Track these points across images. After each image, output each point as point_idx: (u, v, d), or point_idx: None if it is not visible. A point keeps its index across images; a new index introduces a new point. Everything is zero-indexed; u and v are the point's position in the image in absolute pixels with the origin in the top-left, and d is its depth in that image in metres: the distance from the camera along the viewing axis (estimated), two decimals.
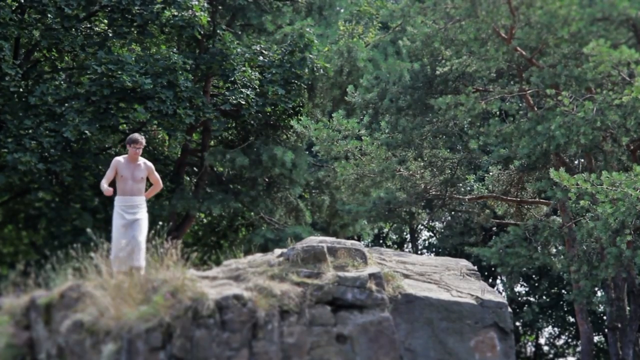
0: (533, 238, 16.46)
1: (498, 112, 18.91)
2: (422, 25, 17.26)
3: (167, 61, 16.12)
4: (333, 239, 9.19)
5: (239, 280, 8.02)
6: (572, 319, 29.94)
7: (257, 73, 17.57)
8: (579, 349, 30.03)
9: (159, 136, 20.87)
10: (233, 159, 18.00)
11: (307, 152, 20.48)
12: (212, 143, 19.77)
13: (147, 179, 9.31)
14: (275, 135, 18.72)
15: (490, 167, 20.94)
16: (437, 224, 32.27)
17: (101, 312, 7.37)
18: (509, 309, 8.55)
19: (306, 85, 18.72)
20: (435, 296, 8.26)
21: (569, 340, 32.36)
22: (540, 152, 16.19)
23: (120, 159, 9.14)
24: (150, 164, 9.33)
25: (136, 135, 9.24)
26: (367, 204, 18.95)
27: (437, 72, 18.10)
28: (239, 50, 17.37)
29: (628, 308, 18.28)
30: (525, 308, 29.98)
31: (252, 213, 19.89)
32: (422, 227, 33.21)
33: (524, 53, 16.21)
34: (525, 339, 32.93)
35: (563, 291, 29.29)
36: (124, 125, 18.98)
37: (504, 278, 29.84)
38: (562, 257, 18.12)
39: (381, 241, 32.31)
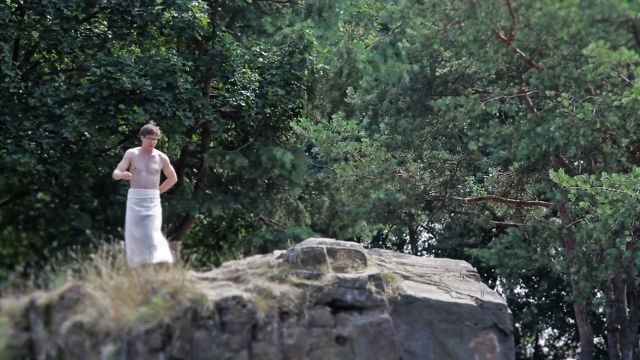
0: (532, 239, 16.46)
1: (497, 114, 18.92)
2: (421, 27, 17.26)
3: (167, 63, 16.13)
4: (332, 240, 9.19)
5: (239, 282, 8.01)
6: (571, 321, 29.94)
7: (256, 74, 17.58)
8: (578, 350, 30.03)
9: (158, 138, 20.86)
10: (233, 160, 18.00)
11: (306, 154, 20.49)
12: (211, 144, 19.78)
13: (161, 172, 9.15)
14: (275, 136, 18.73)
15: (489, 169, 20.95)
16: (437, 225, 32.28)
17: (101, 313, 7.37)
18: (509, 311, 8.55)
19: (306, 86, 18.73)
20: (434, 297, 8.25)
21: (569, 341, 32.36)
22: (540, 154, 16.19)
23: (134, 150, 8.99)
24: (164, 155, 9.19)
25: (151, 126, 9.05)
26: (366, 205, 18.95)
27: (437, 74, 18.11)
28: (238, 51, 17.38)
29: (628, 309, 18.28)
30: (524, 309, 29.98)
31: (252, 214, 19.89)
32: (421, 229, 33.21)
33: (523, 54, 16.22)
34: (525, 340, 32.92)
35: (563, 292, 29.30)
36: (124, 127, 18.98)
37: (503, 279, 29.86)
38: (561, 258, 18.12)
39: (381, 242, 32.32)
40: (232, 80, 17.27)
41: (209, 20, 17.46)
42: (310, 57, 17.91)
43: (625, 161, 16.83)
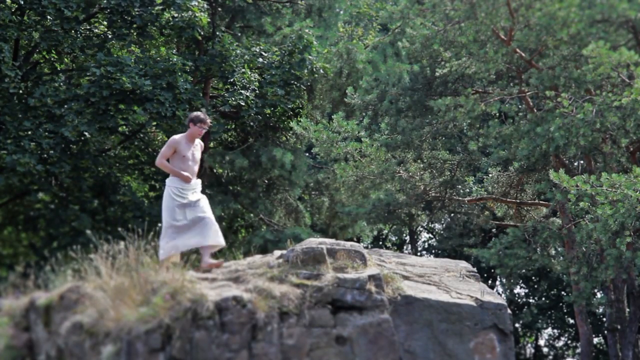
0: (532, 239, 16.46)
1: (497, 114, 18.92)
2: (421, 27, 17.27)
3: (167, 63, 16.13)
4: (332, 240, 9.19)
5: (239, 282, 8.02)
6: (571, 321, 29.95)
7: (256, 74, 17.58)
8: (578, 350, 30.04)
9: (158, 138, 20.87)
10: (232, 161, 18.00)
11: (306, 154, 20.49)
12: (211, 145, 19.77)
13: None
14: (275, 136, 18.73)
15: (489, 169, 20.95)
16: (437, 226, 32.29)
17: (101, 313, 7.37)
18: (509, 311, 8.55)
19: (305, 86, 18.73)
20: (434, 298, 8.25)
21: (569, 341, 32.37)
22: (540, 154, 16.19)
23: (179, 138, 8.82)
24: (202, 143, 9.11)
25: (203, 114, 8.91)
26: (366, 205, 18.96)
27: (437, 74, 18.11)
28: (238, 51, 17.38)
29: (628, 310, 18.28)
30: (524, 309, 29.99)
31: (252, 214, 19.89)
32: (421, 229, 33.21)
33: (523, 55, 16.22)
34: (525, 340, 32.93)
35: (563, 293, 29.30)
36: (124, 127, 18.98)
37: (503, 279, 29.86)
38: (561, 258, 18.13)
39: (381, 243, 32.33)
40: (232, 80, 17.28)
41: (209, 20, 17.46)
42: (310, 57, 17.91)
43: (625, 161, 16.83)
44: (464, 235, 27.04)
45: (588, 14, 15.19)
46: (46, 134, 15.43)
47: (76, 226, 17.55)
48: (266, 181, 19.67)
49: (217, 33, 18.00)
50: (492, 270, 26.25)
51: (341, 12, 21.99)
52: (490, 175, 20.54)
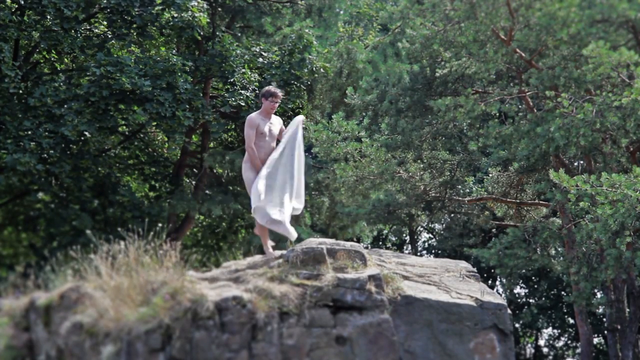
0: (532, 239, 16.46)
1: (497, 114, 18.93)
2: (421, 27, 17.27)
3: (167, 63, 16.13)
4: (332, 240, 9.18)
5: (239, 282, 8.02)
6: (571, 321, 29.95)
7: (256, 74, 17.58)
8: (578, 350, 30.04)
9: (158, 138, 20.87)
10: (232, 161, 18.00)
11: (306, 154, 20.47)
12: (211, 145, 19.77)
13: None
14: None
15: (489, 169, 20.95)
16: (437, 226, 32.29)
17: (100, 313, 7.37)
18: (509, 311, 8.55)
19: (305, 86, 18.72)
20: (434, 298, 8.25)
21: (569, 341, 32.36)
22: (540, 154, 16.20)
23: (255, 115, 8.77)
24: (279, 118, 9.03)
25: (274, 88, 8.86)
26: (366, 205, 18.96)
27: (437, 74, 18.11)
28: (238, 51, 17.37)
29: (628, 310, 18.28)
30: (524, 309, 29.98)
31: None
32: (421, 229, 33.21)
33: (523, 55, 16.23)
34: (525, 340, 32.93)
35: (562, 293, 29.30)
36: (123, 127, 18.98)
37: (503, 279, 29.86)
38: (561, 258, 18.13)
39: (380, 243, 32.33)
40: (232, 80, 17.27)
41: (208, 20, 17.45)
42: (310, 57, 17.91)
43: (625, 161, 16.84)
44: (464, 235, 27.04)
45: (588, 14, 15.19)
46: (46, 133, 15.43)
47: (76, 225, 17.55)
48: None
49: (217, 33, 18.00)
50: (492, 270, 26.25)
51: (341, 12, 22.00)
52: (490, 175, 20.54)
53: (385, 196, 18.81)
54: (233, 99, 17.05)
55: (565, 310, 29.62)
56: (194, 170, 20.06)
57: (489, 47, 16.19)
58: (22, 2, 15.53)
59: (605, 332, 24.28)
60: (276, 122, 8.98)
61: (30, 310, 8.16)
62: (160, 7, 16.44)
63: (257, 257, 8.97)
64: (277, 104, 8.90)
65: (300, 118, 9.15)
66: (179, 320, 7.09)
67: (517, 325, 30.49)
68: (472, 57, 16.80)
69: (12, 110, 15.59)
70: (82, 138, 16.93)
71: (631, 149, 16.17)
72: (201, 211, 18.76)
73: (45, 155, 15.67)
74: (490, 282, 29.70)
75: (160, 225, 16.70)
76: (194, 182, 20.13)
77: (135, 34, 17.01)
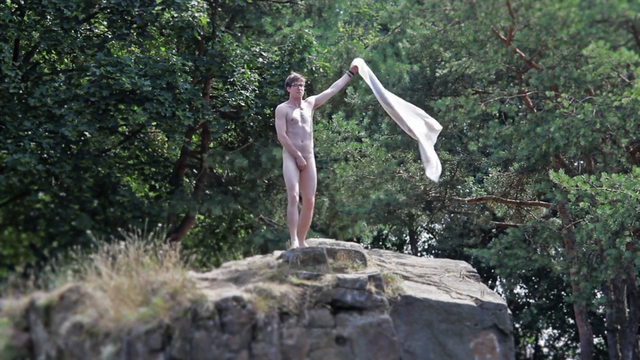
0: (532, 240, 16.47)
1: (497, 114, 18.93)
2: (421, 27, 17.28)
3: (166, 63, 16.13)
4: (332, 240, 9.20)
5: (239, 282, 8.02)
6: (571, 321, 29.94)
7: (256, 74, 17.58)
8: (578, 350, 30.03)
9: (158, 138, 20.86)
10: (232, 161, 18.00)
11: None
12: (211, 145, 19.77)
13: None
14: (275, 136, 18.71)
15: (489, 169, 20.96)
16: (437, 226, 32.28)
17: (100, 313, 7.37)
18: (509, 311, 8.55)
19: (305, 86, 18.68)
20: (434, 298, 8.26)
21: (569, 342, 32.36)
22: (540, 154, 16.21)
23: (283, 105, 8.92)
24: (310, 98, 9.12)
25: (293, 74, 9.05)
26: (366, 205, 18.95)
27: (437, 74, 18.12)
28: (238, 51, 17.37)
29: (628, 310, 18.29)
30: (524, 310, 29.98)
31: (252, 215, 19.89)
32: (421, 229, 33.21)
33: (523, 55, 16.23)
34: (525, 340, 32.92)
35: (562, 293, 29.30)
36: (124, 127, 18.97)
37: (503, 280, 29.86)
38: (561, 258, 18.13)
39: (381, 243, 32.32)
40: (232, 80, 17.27)
41: (208, 20, 17.45)
42: (309, 56, 17.91)
43: (625, 162, 16.84)
44: (464, 235, 27.03)
45: (588, 14, 15.20)
46: (46, 134, 15.43)
47: (76, 225, 17.55)
48: (266, 181, 19.66)
49: (217, 33, 17.99)
50: (492, 271, 26.24)
51: (341, 12, 22.00)
52: (490, 175, 20.54)
53: (385, 196, 18.81)
54: (233, 99, 17.05)
55: (565, 311, 29.61)
56: (194, 170, 20.06)
57: (489, 47, 16.19)
58: (22, 2, 15.53)
59: (605, 332, 24.28)
60: (306, 106, 9.03)
61: (30, 311, 8.16)
62: (160, 7, 16.44)
63: (257, 257, 8.97)
64: (302, 87, 8.96)
65: (359, 64, 9.25)
66: (179, 320, 7.09)
67: (517, 325, 30.49)
68: (472, 57, 16.81)
69: (12, 111, 15.59)
70: (82, 138, 16.92)
71: (631, 149, 16.17)
72: (201, 211, 18.76)
73: (45, 155, 15.66)
74: (490, 282, 29.70)
75: (160, 225, 16.68)
76: (194, 182, 20.13)
77: (135, 34, 17.01)
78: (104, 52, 16.24)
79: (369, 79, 9.24)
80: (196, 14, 16.54)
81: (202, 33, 17.30)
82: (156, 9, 16.42)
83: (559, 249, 18.96)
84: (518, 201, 19.78)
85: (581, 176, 13.34)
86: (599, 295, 21.94)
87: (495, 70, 16.90)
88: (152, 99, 15.82)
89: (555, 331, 32.52)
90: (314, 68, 17.92)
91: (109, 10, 16.56)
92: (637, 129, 14.57)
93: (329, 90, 9.38)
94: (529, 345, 33.45)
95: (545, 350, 33.59)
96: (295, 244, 8.64)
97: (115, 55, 16.29)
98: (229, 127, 19.15)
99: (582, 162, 18.72)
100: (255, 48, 18.15)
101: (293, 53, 17.82)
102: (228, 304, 7.25)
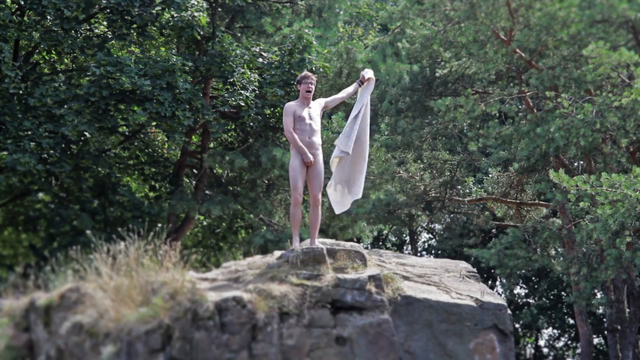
0: (532, 240, 16.47)
1: (497, 114, 18.94)
2: (421, 27, 17.27)
3: (166, 63, 16.13)
4: (332, 240, 9.20)
5: (239, 282, 8.02)
6: (571, 321, 29.94)
7: (256, 75, 17.57)
8: (578, 351, 30.04)
9: (158, 138, 20.86)
10: (232, 161, 17.99)
11: None
12: (211, 145, 19.76)
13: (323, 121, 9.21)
14: (275, 137, 18.71)
15: (489, 169, 20.96)
16: (437, 226, 32.28)
17: (100, 314, 7.37)
18: (509, 311, 8.55)
19: None
20: (434, 298, 8.26)
21: (569, 342, 32.36)
22: (540, 154, 16.21)
23: (292, 103, 8.95)
24: (321, 99, 9.15)
25: (304, 72, 9.05)
26: (366, 205, 18.95)
27: (437, 74, 18.12)
28: (238, 52, 17.37)
29: (628, 310, 18.29)
30: (524, 310, 29.98)
31: (252, 215, 19.89)
32: (421, 229, 33.20)
33: (523, 55, 16.23)
34: (525, 341, 32.92)
35: (563, 293, 29.30)
36: (124, 127, 18.97)
37: (503, 280, 29.86)
38: (561, 259, 18.13)
39: (380, 243, 32.32)
40: (232, 80, 17.27)
41: (208, 20, 17.45)
42: (309, 56, 17.90)
43: (625, 162, 16.84)
44: (463, 235, 27.04)
45: (588, 14, 15.20)
46: (46, 134, 15.42)
47: (77, 225, 17.55)
48: (266, 181, 19.65)
49: (217, 33, 17.99)
50: (492, 271, 26.25)
51: (341, 12, 21.99)
52: (490, 175, 20.54)
53: (385, 196, 18.81)
54: (233, 99, 17.05)
55: (565, 311, 29.61)
56: (194, 170, 20.05)
57: (489, 48, 16.19)
58: (22, 3, 15.53)
59: (605, 332, 24.28)
60: (315, 104, 9.05)
61: (30, 311, 8.16)
62: (160, 7, 16.44)
63: (257, 257, 8.98)
64: (312, 85, 8.94)
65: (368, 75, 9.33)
66: (179, 320, 7.09)
67: (517, 325, 30.49)
68: (472, 58, 16.81)
69: (12, 111, 15.59)
70: (82, 138, 16.92)
71: (631, 149, 16.17)
72: (201, 211, 18.75)
73: (45, 155, 15.66)
74: (490, 282, 29.70)
75: (160, 225, 16.69)
76: (194, 183, 20.12)
77: (135, 34, 17.00)
78: (104, 52, 16.23)
79: (363, 96, 9.31)
80: (196, 14, 16.54)
81: (202, 33, 17.30)
82: (156, 9, 16.42)
83: (559, 249, 18.95)
84: (518, 201, 19.78)
85: (581, 176, 13.34)
86: (599, 295, 21.93)
87: (495, 71, 16.90)
88: (152, 99, 15.82)
89: (555, 331, 32.53)
90: (314, 68, 17.91)
91: (109, 10, 16.56)
92: (637, 129, 14.57)
93: (339, 95, 9.39)
94: (529, 345, 33.45)
95: (545, 350, 33.60)
96: (296, 244, 8.64)
97: (115, 55, 16.28)
98: (229, 127, 19.14)
99: (582, 162, 18.72)
100: (255, 48, 18.14)
101: (293, 53, 17.81)
102: (228, 304, 7.25)
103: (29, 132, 15.40)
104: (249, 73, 17.26)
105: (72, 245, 13.90)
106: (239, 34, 19.74)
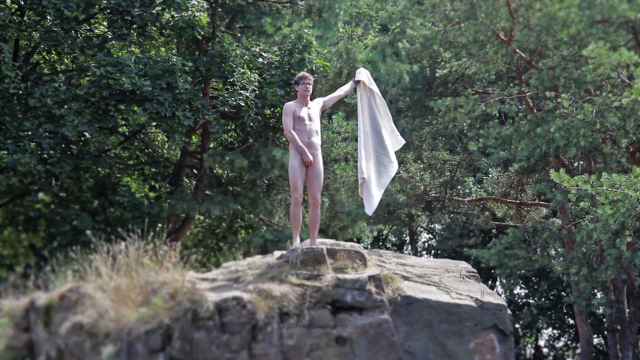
0: (532, 240, 16.47)
1: (497, 115, 18.94)
2: (421, 28, 17.28)
3: (166, 63, 16.13)
4: (332, 241, 9.20)
5: (239, 282, 8.02)
6: (571, 321, 29.94)
7: (256, 75, 17.58)
8: (578, 351, 30.04)
9: (158, 138, 20.86)
10: (232, 161, 17.99)
11: None
12: (211, 145, 19.76)
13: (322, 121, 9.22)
14: (275, 137, 18.72)
15: (489, 169, 20.96)
16: (437, 226, 32.29)
17: (100, 314, 7.37)
18: (509, 311, 8.55)
19: None
20: (434, 298, 8.26)
21: (569, 342, 32.36)
22: (540, 155, 16.21)
23: (291, 102, 8.96)
24: (319, 99, 9.17)
25: (301, 73, 9.09)
26: None
27: (437, 74, 18.12)
28: (238, 52, 17.37)
29: (628, 310, 18.29)
30: (524, 310, 29.99)
31: (252, 215, 19.89)
32: (421, 229, 33.21)
33: (523, 55, 16.23)
34: (525, 341, 32.92)
35: (563, 293, 29.30)
36: (124, 127, 18.97)
37: (503, 280, 29.86)
38: (561, 259, 18.13)
39: (380, 243, 32.32)
40: (232, 80, 17.27)
41: (208, 20, 17.45)
42: (309, 56, 17.90)
43: (625, 162, 16.85)
44: (463, 235, 27.05)
45: (588, 15, 15.21)
46: (46, 134, 15.42)
47: (77, 225, 17.55)
48: (266, 181, 19.66)
49: (217, 33, 17.99)
50: (492, 271, 26.25)
51: (341, 13, 21.99)
52: (490, 175, 20.55)
53: (385, 196, 18.80)
54: (233, 99, 17.05)
55: (565, 311, 29.61)
56: (194, 170, 20.05)
57: (489, 48, 16.19)
58: (22, 3, 15.53)
59: (605, 332, 24.28)
60: (314, 104, 9.06)
61: (30, 311, 8.16)
62: (160, 7, 16.44)
63: (257, 257, 8.98)
64: (309, 85, 8.96)
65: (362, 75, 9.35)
66: (178, 320, 7.10)
67: (517, 325, 30.49)
68: (472, 58, 16.81)
69: (12, 111, 15.59)
70: (82, 138, 16.92)
71: (631, 149, 16.18)
72: (201, 211, 18.75)
73: (45, 155, 15.66)
74: (490, 282, 29.70)
75: (160, 225, 16.67)
76: (194, 183, 20.12)
77: (135, 34, 17.00)
78: (104, 52, 16.23)
79: (368, 100, 9.35)
80: (196, 14, 16.55)
81: (202, 33, 17.30)
82: (156, 9, 16.42)
83: (559, 250, 18.96)
84: (518, 201, 19.78)
85: (581, 176, 13.35)
86: (599, 295, 21.94)
87: (495, 71, 16.90)
88: (152, 99, 15.82)
89: (555, 331, 32.53)
90: (313, 68, 17.91)
91: (109, 10, 16.56)
92: (637, 129, 14.57)
93: (335, 94, 9.42)
94: (529, 345, 33.46)
95: (545, 350, 33.60)
96: (296, 244, 8.64)
97: (115, 56, 16.28)
98: (229, 128, 19.14)
99: (582, 162, 18.72)
100: (255, 48, 18.14)
101: (293, 53, 17.81)
102: (228, 304, 7.25)
103: (29, 132, 15.40)
104: (249, 73, 17.26)
105: (72, 245, 13.91)
106: (239, 34, 19.74)
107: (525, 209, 20.27)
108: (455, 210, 23.19)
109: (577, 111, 14.64)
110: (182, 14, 16.44)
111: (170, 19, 16.65)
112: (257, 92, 17.38)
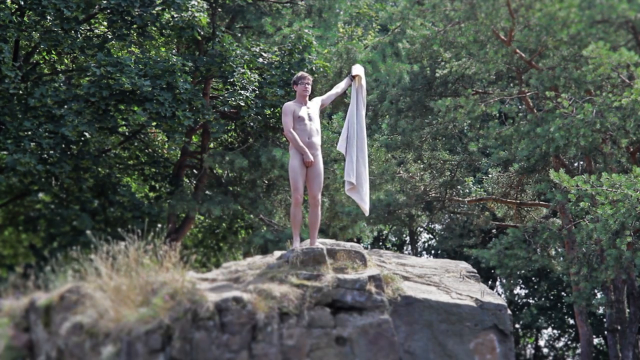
0: (532, 240, 16.47)
1: (497, 115, 18.94)
2: (421, 28, 17.27)
3: (166, 63, 16.13)
4: (332, 241, 9.20)
5: (239, 283, 8.02)
6: (571, 321, 29.94)
7: (256, 75, 17.58)
8: (578, 351, 30.03)
9: (158, 138, 20.86)
10: (232, 161, 17.99)
11: None
12: (211, 145, 19.76)
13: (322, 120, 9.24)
14: (275, 137, 18.72)
15: (489, 169, 20.96)
16: (437, 226, 32.29)
17: (100, 314, 7.37)
18: (509, 311, 8.55)
19: None
20: (434, 298, 8.26)
21: (569, 342, 32.36)
22: (540, 155, 16.21)
23: (290, 103, 8.98)
24: (317, 98, 9.19)
25: (300, 73, 9.12)
26: None
27: (437, 74, 18.12)
28: (238, 52, 17.37)
29: (628, 310, 18.29)
30: (524, 310, 29.99)
31: (252, 215, 19.89)
32: (421, 229, 33.21)
33: (523, 55, 16.23)
34: (525, 341, 32.92)
35: (563, 293, 29.30)
36: (124, 128, 18.98)
37: (503, 280, 29.87)
38: (561, 259, 18.13)
39: (381, 243, 32.32)
40: (232, 80, 17.27)
41: (208, 20, 17.45)
42: (309, 56, 17.90)
43: (625, 162, 16.85)
44: (464, 235, 27.05)
45: (588, 15, 15.21)
46: (46, 134, 15.42)
47: (77, 226, 17.55)
48: (266, 181, 19.65)
49: (217, 33, 17.99)
50: (492, 271, 26.24)
51: (341, 13, 21.98)
52: (490, 175, 20.55)
53: (385, 196, 18.81)
54: (233, 99, 17.05)
55: (565, 311, 29.61)
56: (194, 170, 20.05)
57: (489, 48, 16.19)
58: (22, 3, 15.53)
59: (606, 332, 24.27)
60: (313, 104, 9.08)
61: (30, 311, 8.16)
62: (160, 7, 16.44)
63: (257, 258, 8.98)
64: (308, 85, 8.97)
65: (358, 71, 9.41)
66: (178, 320, 7.09)
67: (517, 325, 30.49)
68: (472, 58, 16.81)
69: (12, 111, 15.58)
70: (82, 138, 16.92)
71: (631, 149, 16.18)
72: (201, 211, 18.75)
73: (45, 155, 15.66)
74: (490, 282, 29.70)
75: (160, 225, 16.68)
76: (194, 183, 20.12)
77: (135, 34, 17.00)
78: (104, 52, 16.23)
79: (357, 94, 9.38)
80: (196, 14, 16.55)
81: (202, 33, 17.30)
82: (156, 9, 16.42)
83: (559, 250, 18.96)
84: (518, 201, 19.78)
85: (581, 176, 13.35)
86: (599, 295, 21.94)
87: (495, 71, 16.90)
88: (152, 99, 15.82)
89: (555, 331, 32.53)
90: (314, 68, 17.91)
91: (109, 10, 16.56)
92: (637, 129, 14.57)
93: (333, 92, 9.43)
94: (529, 345, 33.46)
95: (545, 350, 33.59)
96: (297, 244, 8.64)
97: (115, 56, 16.28)
98: (229, 128, 19.14)
99: (582, 162, 18.73)
100: (255, 48, 18.14)
101: (293, 53, 17.81)
102: (228, 304, 7.25)
103: (29, 133, 15.40)
104: (249, 73, 17.26)
105: (72, 245, 13.91)
106: (239, 34, 19.74)
107: (525, 209, 20.27)
108: (455, 210, 23.19)
109: (577, 111, 14.64)
110: (182, 14, 16.44)
111: (170, 19, 16.65)
112: (257, 92, 17.38)
